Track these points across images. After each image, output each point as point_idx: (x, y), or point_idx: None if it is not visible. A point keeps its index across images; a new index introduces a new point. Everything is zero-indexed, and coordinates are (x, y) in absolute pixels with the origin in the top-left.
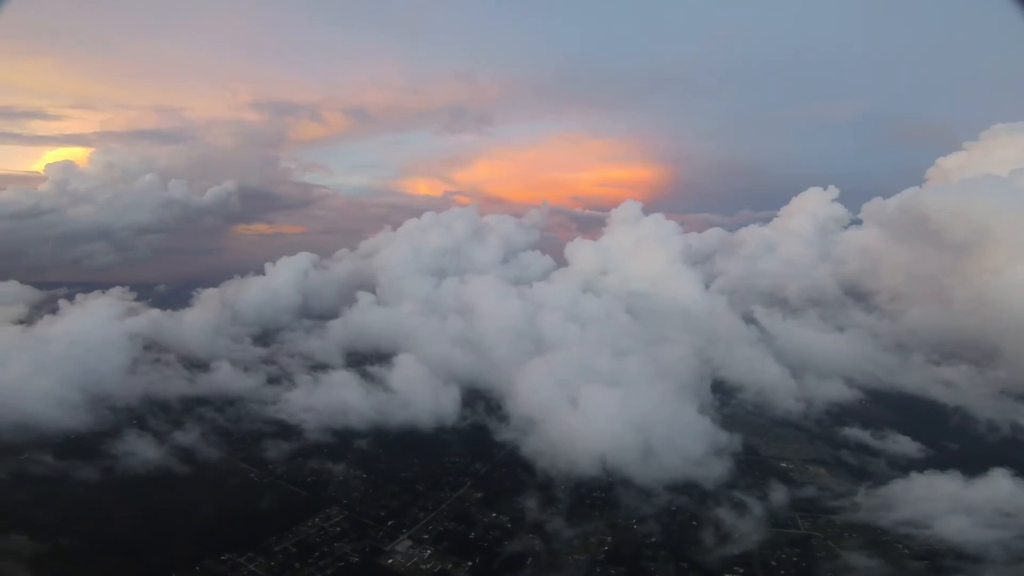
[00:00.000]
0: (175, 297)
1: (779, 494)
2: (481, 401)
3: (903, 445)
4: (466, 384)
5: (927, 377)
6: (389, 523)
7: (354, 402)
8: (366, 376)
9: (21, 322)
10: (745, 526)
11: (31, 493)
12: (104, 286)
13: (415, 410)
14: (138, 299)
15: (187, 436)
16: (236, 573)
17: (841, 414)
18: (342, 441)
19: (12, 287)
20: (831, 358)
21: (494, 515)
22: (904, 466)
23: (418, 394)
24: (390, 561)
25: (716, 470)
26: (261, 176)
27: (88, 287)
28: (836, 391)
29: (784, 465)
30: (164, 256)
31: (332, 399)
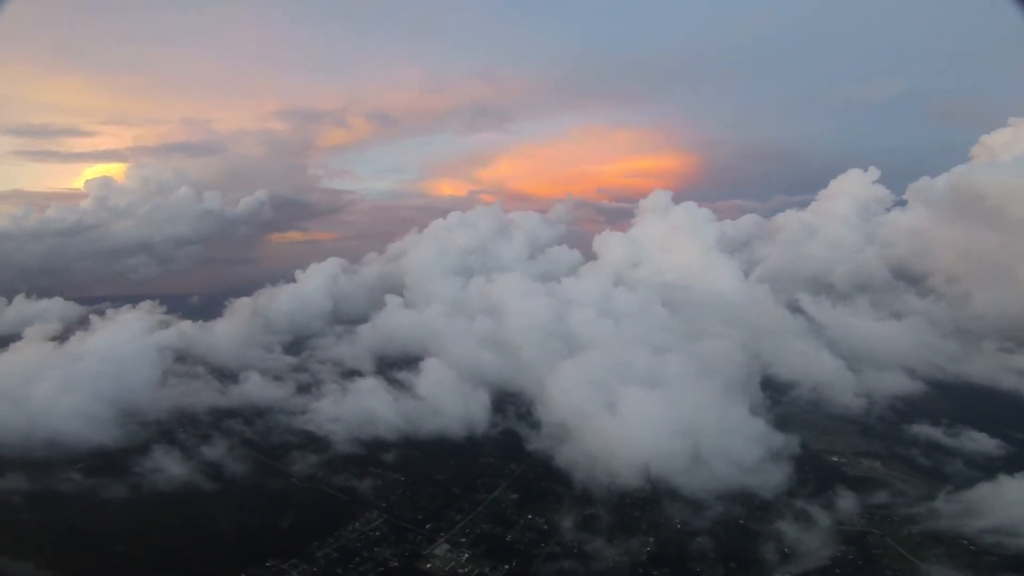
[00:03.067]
0: (209, 308)
1: (847, 501)
2: (511, 406)
3: (980, 442)
4: (496, 387)
5: (998, 366)
6: (427, 526)
7: (382, 411)
8: (394, 383)
9: (55, 339)
10: (811, 540)
11: (65, 510)
12: (145, 299)
13: (444, 418)
14: (171, 311)
15: (219, 448)
16: None
17: (907, 410)
18: (370, 452)
19: (56, 304)
20: (888, 348)
21: (530, 516)
22: (983, 466)
23: (446, 401)
24: (429, 565)
25: (774, 477)
26: (291, 184)
27: (130, 301)
28: (897, 384)
29: (848, 468)
30: (203, 267)
31: (361, 408)
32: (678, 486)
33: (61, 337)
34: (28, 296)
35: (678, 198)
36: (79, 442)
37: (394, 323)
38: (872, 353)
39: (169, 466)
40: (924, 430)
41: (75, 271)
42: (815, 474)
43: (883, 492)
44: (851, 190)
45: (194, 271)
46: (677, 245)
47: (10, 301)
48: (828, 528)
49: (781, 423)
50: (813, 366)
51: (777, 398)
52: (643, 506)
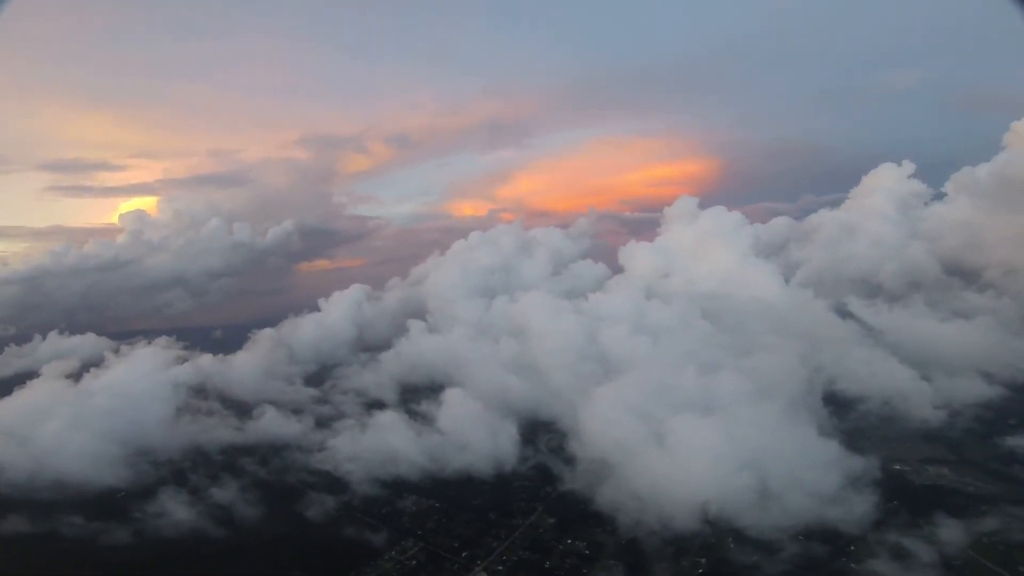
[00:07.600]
0: (233, 340)
1: (950, 531)
2: (543, 436)
3: None
4: (525, 417)
5: None
6: (463, 554)
7: (403, 448)
8: (416, 415)
9: (71, 376)
10: None
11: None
12: (177, 332)
13: (469, 454)
14: (195, 345)
15: (239, 483)
16: None
17: (994, 419)
18: (392, 493)
19: (88, 340)
20: (957, 350)
21: (569, 542)
22: None
23: (471, 434)
24: None
25: (858, 506)
26: (317, 212)
27: (163, 334)
28: (975, 390)
29: (941, 490)
30: (234, 299)
31: (382, 445)
32: (744, 526)
33: (77, 374)
34: (61, 332)
35: (703, 204)
36: (86, 483)
37: (418, 349)
38: (939, 357)
39: (176, 509)
40: (1019, 442)
41: (111, 306)
42: (904, 500)
43: (991, 517)
44: (886, 185)
45: (225, 304)
46: (709, 252)
47: (44, 337)
48: (932, 563)
49: (852, 443)
50: (879, 376)
51: (843, 414)
52: (703, 553)
